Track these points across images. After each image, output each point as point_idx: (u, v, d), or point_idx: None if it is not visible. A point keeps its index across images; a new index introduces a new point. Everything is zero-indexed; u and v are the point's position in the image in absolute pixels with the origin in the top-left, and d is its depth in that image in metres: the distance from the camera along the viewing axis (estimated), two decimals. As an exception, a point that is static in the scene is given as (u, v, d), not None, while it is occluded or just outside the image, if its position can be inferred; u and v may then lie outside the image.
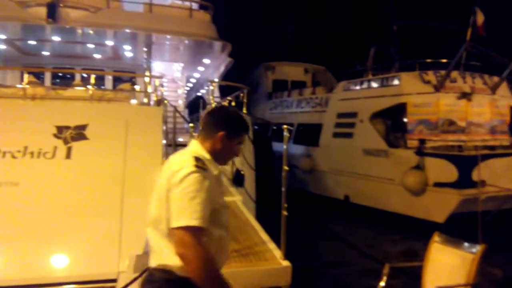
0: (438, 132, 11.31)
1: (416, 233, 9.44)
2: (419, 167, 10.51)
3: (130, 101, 8.49)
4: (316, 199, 14.21)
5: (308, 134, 15.38)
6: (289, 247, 4.12)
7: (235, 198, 6.12)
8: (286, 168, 4.15)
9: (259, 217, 5.82)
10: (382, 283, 3.47)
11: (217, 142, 2.19)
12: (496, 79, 12.38)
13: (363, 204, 12.30)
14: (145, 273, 2.18)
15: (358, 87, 13.81)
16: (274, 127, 16.93)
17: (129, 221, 6.38)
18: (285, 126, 4.25)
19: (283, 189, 4.11)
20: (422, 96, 11.72)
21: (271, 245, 4.45)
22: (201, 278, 1.88)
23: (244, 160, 7.25)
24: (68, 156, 5.97)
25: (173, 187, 1.97)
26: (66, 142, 6.08)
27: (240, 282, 3.89)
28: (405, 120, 11.78)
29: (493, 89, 12.23)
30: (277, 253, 4.21)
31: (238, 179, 7.19)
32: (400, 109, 11.87)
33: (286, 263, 4.01)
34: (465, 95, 11.66)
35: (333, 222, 11.04)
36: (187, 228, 1.88)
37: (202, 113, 10.82)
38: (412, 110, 11.61)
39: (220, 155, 2.23)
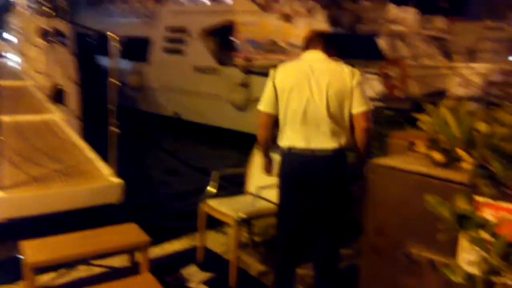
0: (263, 52, 11.96)
1: (244, 148, 10.12)
2: (244, 84, 11.09)
3: None
4: (147, 117, 13.92)
5: (135, 48, 14.55)
6: (121, 167, 4.00)
7: (54, 115, 5.55)
8: (116, 82, 3.89)
9: (85, 136, 5.43)
10: (212, 189, 3.71)
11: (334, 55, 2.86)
12: (312, 3, 13.45)
13: (193, 120, 12.59)
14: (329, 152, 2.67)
15: (189, 1, 13.41)
16: (94, 39, 15.50)
17: None
18: (111, 35, 3.87)
19: (110, 106, 3.87)
20: (250, 15, 12.07)
21: (99, 163, 4.25)
22: (370, 142, 2.75)
23: (64, 73, 6.54)
24: None
25: (356, 84, 2.65)
26: None
27: (67, 202, 3.66)
28: (233, 38, 12.07)
29: (310, 12, 13.31)
30: (106, 170, 4.05)
31: (57, 95, 6.48)
32: (229, 27, 12.06)
33: (116, 180, 3.91)
34: (287, 17, 12.47)
35: (164, 140, 11.08)
36: (370, 110, 2.70)
37: (12, 18, 9.16)
38: (241, 29, 11.93)
39: None
